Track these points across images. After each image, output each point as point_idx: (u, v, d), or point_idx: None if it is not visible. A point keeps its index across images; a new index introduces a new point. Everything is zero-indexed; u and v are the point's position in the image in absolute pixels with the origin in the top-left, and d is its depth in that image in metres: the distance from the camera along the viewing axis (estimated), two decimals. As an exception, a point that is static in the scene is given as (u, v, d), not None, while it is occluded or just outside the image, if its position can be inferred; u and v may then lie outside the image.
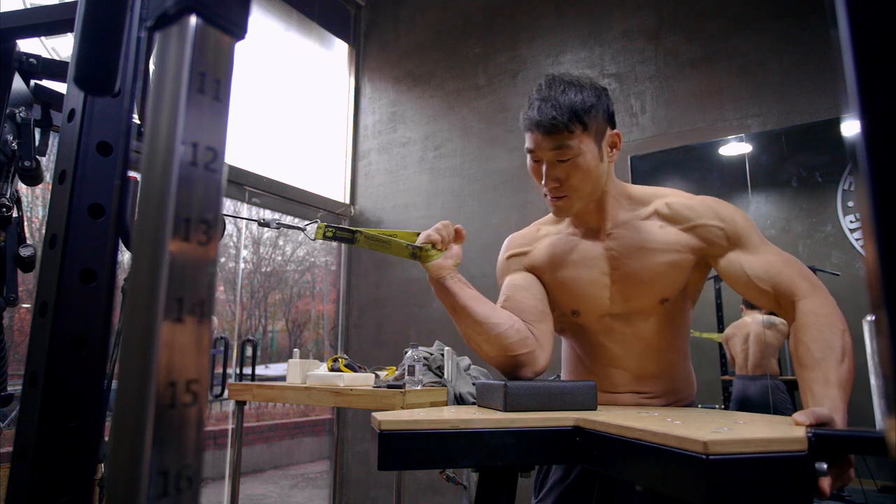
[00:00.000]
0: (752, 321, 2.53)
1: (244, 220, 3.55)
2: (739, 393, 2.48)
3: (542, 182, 1.15)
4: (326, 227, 1.11)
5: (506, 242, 1.36)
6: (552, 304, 1.26)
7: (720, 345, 2.66)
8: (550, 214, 1.31)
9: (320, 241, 1.12)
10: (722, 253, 1.14)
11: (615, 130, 1.18)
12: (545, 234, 1.30)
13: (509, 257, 1.32)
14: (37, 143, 0.87)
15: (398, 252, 1.16)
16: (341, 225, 1.13)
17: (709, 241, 1.15)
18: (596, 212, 1.21)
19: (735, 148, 2.68)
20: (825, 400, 0.89)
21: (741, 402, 2.44)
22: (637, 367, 1.22)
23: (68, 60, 0.68)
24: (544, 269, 1.26)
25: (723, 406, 2.56)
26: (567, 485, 1.19)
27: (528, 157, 1.17)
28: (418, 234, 1.21)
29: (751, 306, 2.57)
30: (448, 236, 1.21)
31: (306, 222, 1.12)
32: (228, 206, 3.26)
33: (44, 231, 0.50)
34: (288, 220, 3.69)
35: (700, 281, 1.22)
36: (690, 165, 2.87)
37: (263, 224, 1.15)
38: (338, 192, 3.96)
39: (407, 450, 0.87)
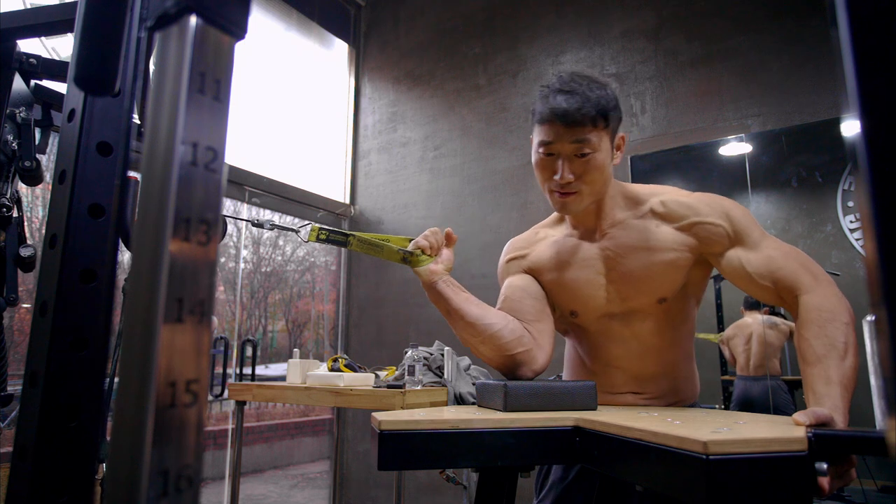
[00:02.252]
0: (753, 321, 2.53)
1: (243, 221, 3.55)
2: (741, 394, 2.47)
3: (557, 176, 1.12)
4: (320, 229, 1.12)
5: (506, 247, 1.36)
6: (552, 305, 1.26)
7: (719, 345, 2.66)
8: (550, 217, 1.32)
9: (315, 243, 1.13)
10: (721, 251, 1.13)
11: (621, 133, 1.19)
12: (543, 236, 1.31)
13: (509, 261, 1.33)
14: (37, 143, 0.87)
15: (389, 256, 1.18)
16: (334, 228, 1.14)
17: (706, 240, 1.13)
18: (594, 212, 1.21)
19: (735, 148, 2.68)
20: (826, 399, 0.89)
21: (743, 403, 2.44)
22: (637, 367, 1.21)
23: (68, 60, 0.68)
24: (542, 270, 1.26)
25: (723, 406, 2.56)
26: (566, 484, 1.19)
27: (541, 149, 1.13)
28: (411, 240, 1.22)
29: (750, 307, 2.56)
30: (437, 243, 1.21)
31: (300, 224, 1.12)
32: (228, 206, 3.26)
33: (44, 231, 0.50)
34: (285, 220, 3.69)
35: (702, 279, 1.21)
36: (690, 165, 2.87)
37: (257, 225, 1.16)
38: (338, 192, 3.96)
39: (407, 450, 0.87)
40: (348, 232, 1.14)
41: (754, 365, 2.44)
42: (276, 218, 3.64)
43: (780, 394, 2.38)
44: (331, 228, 1.13)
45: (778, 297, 1.07)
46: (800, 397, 2.41)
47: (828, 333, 0.96)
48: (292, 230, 1.12)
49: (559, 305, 1.27)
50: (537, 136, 1.15)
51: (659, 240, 1.15)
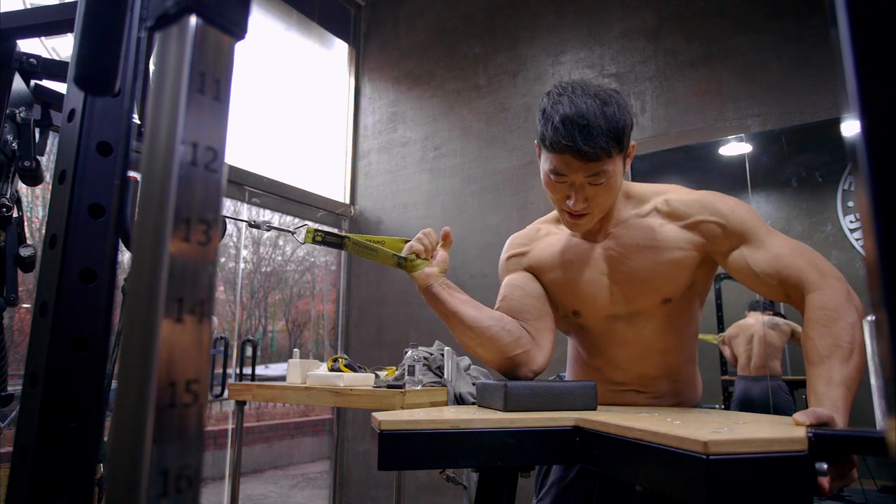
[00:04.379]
0: (756, 322, 2.53)
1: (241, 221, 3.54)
2: (742, 394, 2.47)
3: (570, 202, 1.10)
4: (315, 231, 1.10)
5: (507, 243, 1.33)
6: (554, 305, 1.25)
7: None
8: (552, 213, 1.29)
9: (311, 244, 1.12)
10: (726, 249, 1.11)
11: (632, 143, 1.13)
12: (545, 232, 1.28)
13: (509, 258, 1.30)
14: (36, 143, 0.87)
15: (384, 261, 1.16)
16: (330, 230, 1.13)
17: (712, 238, 1.11)
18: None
19: (735, 148, 2.68)
20: (826, 400, 0.88)
21: (743, 403, 2.44)
22: (639, 368, 1.21)
23: (68, 60, 0.68)
24: (543, 268, 1.24)
25: (723, 406, 2.56)
26: (565, 484, 1.19)
27: (552, 176, 1.09)
28: (407, 241, 1.20)
29: (754, 308, 2.56)
30: (431, 244, 1.17)
31: (296, 225, 1.11)
32: (228, 206, 3.26)
33: (44, 231, 0.50)
34: (285, 220, 3.70)
35: (707, 279, 1.19)
36: (690, 165, 2.87)
37: (254, 226, 1.15)
38: (338, 192, 3.96)
39: (407, 450, 0.87)
40: (343, 234, 1.13)
41: (755, 365, 2.44)
42: (276, 218, 3.64)
43: (781, 394, 2.38)
44: (326, 230, 1.12)
45: (785, 296, 1.06)
46: (800, 398, 2.41)
47: (832, 333, 0.93)
48: (288, 231, 1.11)
49: (561, 305, 1.25)
50: (547, 161, 1.09)
51: (664, 239, 1.13)
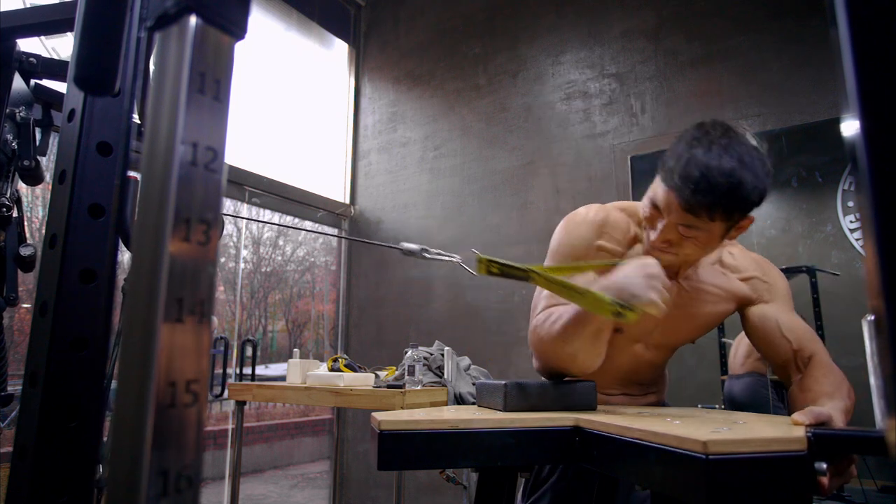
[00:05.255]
0: None
1: (249, 221, 3.55)
2: (726, 392, 2.49)
3: (653, 235, 1.08)
4: (490, 261, 0.89)
5: (598, 218, 1.19)
6: None
7: (720, 345, 2.66)
8: (639, 207, 1.19)
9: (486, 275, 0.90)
10: (758, 303, 1.20)
11: (751, 216, 1.06)
12: (633, 233, 1.20)
13: (601, 248, 1.18)
14: (37, 143, 0.87)
15: (596, 308, 0.94)
16: (509, 262, 0.89)
17: (756, 293, 1.21)
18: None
19: (735, 148, 2.68)
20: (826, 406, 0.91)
21: (729, 400, 2.46)
22: (633, 377, 1.30)
23: (68, 60, 0.68)
24: None
25: (723, 406, 2.56)
26: (564, 484, 1.19)
27: (649, 204, 1.08)
28: (616, 264, 1.02)
29: None
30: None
31: (458, 256, 0.89)
32: (228, 206, 3.26)
33: (44, 231, 0.50)
34: (281, 219, 3.69)
35: None
36: (690, 165, 2.86)
37: (408, 253, 0.97)
38: (338, 192, 3.96)
39: (407, 450, 0.87)
40: (527, 267, 0.91)
41: (737, 364, 2.46)
42: (276, 218, 3.64)
43: (761, 391, 2.38)
44: (506, 262, 0.89)
45: (791, 356, 1.13)
46: (785, 396, 2.41)
47: (836, 379, 1.04)
48: (451, 259, 0.94)
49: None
50: (655, 188, 1.07)
51: (723, 288, 1.20)
